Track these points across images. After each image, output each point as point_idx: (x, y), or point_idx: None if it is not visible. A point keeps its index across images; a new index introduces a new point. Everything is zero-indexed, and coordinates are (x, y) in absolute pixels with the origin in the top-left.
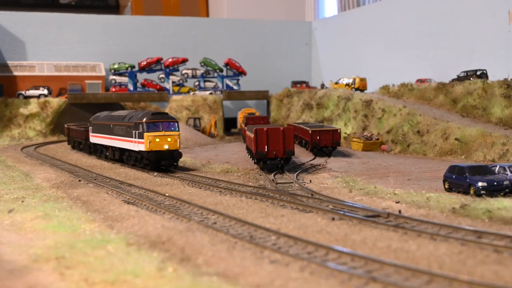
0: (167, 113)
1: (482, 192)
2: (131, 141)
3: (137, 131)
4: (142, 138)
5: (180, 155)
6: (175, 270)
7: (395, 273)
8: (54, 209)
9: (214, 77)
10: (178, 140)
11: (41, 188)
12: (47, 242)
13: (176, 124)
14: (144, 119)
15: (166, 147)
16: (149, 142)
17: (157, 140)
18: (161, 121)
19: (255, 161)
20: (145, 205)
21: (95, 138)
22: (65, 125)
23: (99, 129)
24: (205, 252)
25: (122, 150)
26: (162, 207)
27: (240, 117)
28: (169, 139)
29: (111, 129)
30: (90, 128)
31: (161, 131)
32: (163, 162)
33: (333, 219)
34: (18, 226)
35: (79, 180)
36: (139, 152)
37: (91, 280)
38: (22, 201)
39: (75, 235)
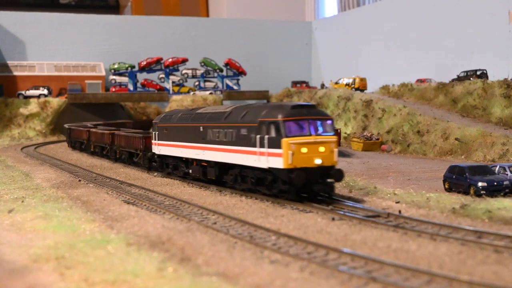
0: (314, 106)
1: (482, 192)
2: (250, 153)
3: (265, 136)
4: (278, 147)
5: (340, 175)
6: (175, 270)
7: (395, 273)
8: (54, 209)
9: (214, 77)
10: (335, 150)
11: (41, 188)
12: (47, 242)
13: (331, 123)
14: (280, 116)
15: (318, 161)
16: (292, 155)
17: (305, 150)
18: (309, 118)
19: None
20: (145, 205)
21: (166, 149)
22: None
23: (173, 135)
24: (205, 252)
25: (225, 167)
26: (162, 207)
27: None
28: (321, 149)
29: (200, 134)
30: (156, 134)
31: (310, 135)
32: (316, 187)
33: (333, 219)
34: (18, 226)
35: (79, 180)
36: (270, 170)
37: (91, 280)
38: (22, 201)
39: (75, 235)
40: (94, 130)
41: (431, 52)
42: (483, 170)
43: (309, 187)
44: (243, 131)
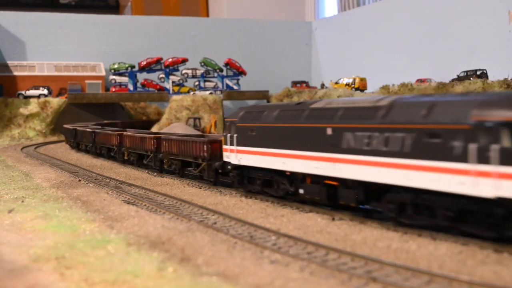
0: None
1: None
2: (449, 171)
3: (492, 147)
4: None
5: None
6: (175, 270)
7: (395, 273)
8: (54, 209)
9: (214, 77)
10: None
11: (41, 188)
12: (47, 242)
13: None
14: None
15: None
16: None
17: None
18: None
19: None
20: (145, 205)
21: (253, 158)
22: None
23: (266, 139)
24: (205, 252)
25: (371, 189)
26: (162, 207)
27: None
28: None
29: (327, 139)
30: (232, 137)
31: None
32: None
33: (333, 219)
34: (18, 226)
35: (79, 180)
36: (496, 201)
37: (91, 280)
38: (22, 201)
39: (75, 235)
40: (129, 134)
41: (431, 52)
42: None
43: None
44: (432, 138)
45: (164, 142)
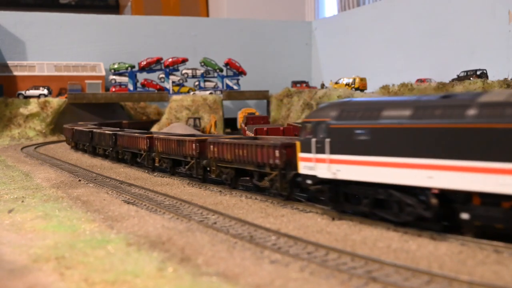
0: None
1: None
2: None
3: None
4: None
5: None
6: (175, 270)
7: (395, 273)
8: (54, 209)
9: (214, 77)
10: None
11: (41, 188)
12: (47, 242)
13: None
14: None
15: None
16: None
17: None
18: None
19: None
20: (145, 205)
21: (360, 170)
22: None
23: (387, 145)
24: (205, 252)
25: None
26: (162, 207)
27: (240, 117)
28: None
29: None
30: (323, 141)
31: None
32: None
33: (333, 219)
34: (18, 226)
35: (79, 180)
36: None
37: (91, 280)
38: (22, 201)
39: (75, 235)
40: (161, 136)
41: (431, 52)
42: None
43: None
44: None
45: (213, 146)
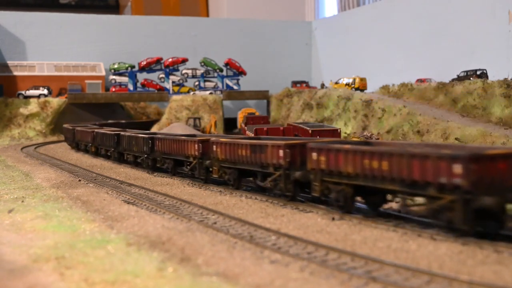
0: None
1: None
2: None
3: None
4: None
5: None
6: (175, 270)
7: (395, 273)
8: (54, 209)
9: (214, 77)
10: None
11: (41, 188)
12: (47, 242)
13: None
14: None
15: None
16: None
17: None
18: None
19: None
20: (145, 205)
21: None
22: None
23: None
24: (205, 252)
25: None
26: (162, 207)
27: (240, 117)
28: None
29: None
30: None
31: None
32: None
33: (333, 219)
34: (18, 226)
35: (79, 180)
36: None
37: (91, 280)
38: (22, 201)
39: (75, 235)
40: (222, 140)
41: (431, 52)
42: None
43: None
44: None
45: (318, 153)
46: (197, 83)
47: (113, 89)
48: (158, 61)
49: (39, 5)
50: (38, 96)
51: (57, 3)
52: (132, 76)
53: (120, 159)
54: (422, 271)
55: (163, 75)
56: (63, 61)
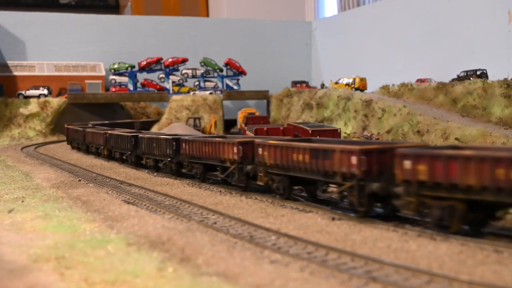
0: None
1: None
2: None
3: None
4: None
5: None
6: (175, 270)
7: (395, 273)
8: (54, 209)
9: (214, 77)
10: None
11: (41, 188)
12: (47, 242)
13: None
14: None
15: None
16: None
17: None
18: None
19: None
20: (145, 205)
21: None
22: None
23: None
24: (205, 252)
25: None
26: (162, 207)
27: (240, 117)
28: None
29: None
30: None
31: None
32: None
33: (333, 219)
34: (18, 226)
35: (79, 180)
36: None
37: (91, 280)
38: (22, 201)
39: (75, 235)
40: (273, 143)
41: (431, 52)
42: None
43: None
44: None
45: (413, 162)
46: (197, 83)
47: (113, 89)
48: (158, 61)
49: (39, 5)
50: (38, 96)
51: (57, 3)
52: (132, 76)
53: (138, 164)
54: (422, 271)
55: (163, 75)
56: (63, 61)
